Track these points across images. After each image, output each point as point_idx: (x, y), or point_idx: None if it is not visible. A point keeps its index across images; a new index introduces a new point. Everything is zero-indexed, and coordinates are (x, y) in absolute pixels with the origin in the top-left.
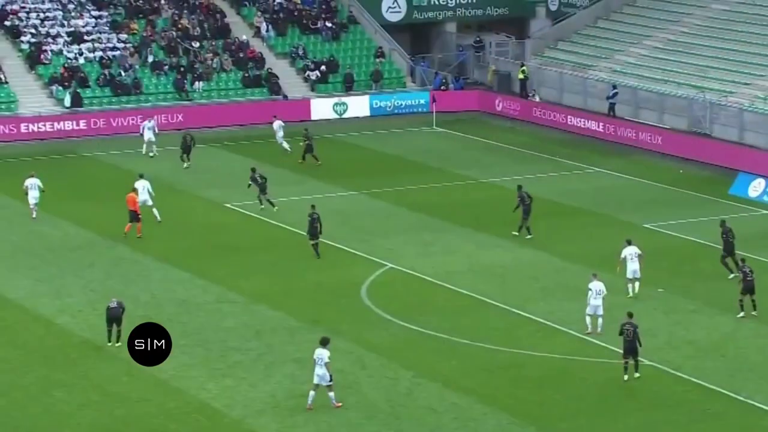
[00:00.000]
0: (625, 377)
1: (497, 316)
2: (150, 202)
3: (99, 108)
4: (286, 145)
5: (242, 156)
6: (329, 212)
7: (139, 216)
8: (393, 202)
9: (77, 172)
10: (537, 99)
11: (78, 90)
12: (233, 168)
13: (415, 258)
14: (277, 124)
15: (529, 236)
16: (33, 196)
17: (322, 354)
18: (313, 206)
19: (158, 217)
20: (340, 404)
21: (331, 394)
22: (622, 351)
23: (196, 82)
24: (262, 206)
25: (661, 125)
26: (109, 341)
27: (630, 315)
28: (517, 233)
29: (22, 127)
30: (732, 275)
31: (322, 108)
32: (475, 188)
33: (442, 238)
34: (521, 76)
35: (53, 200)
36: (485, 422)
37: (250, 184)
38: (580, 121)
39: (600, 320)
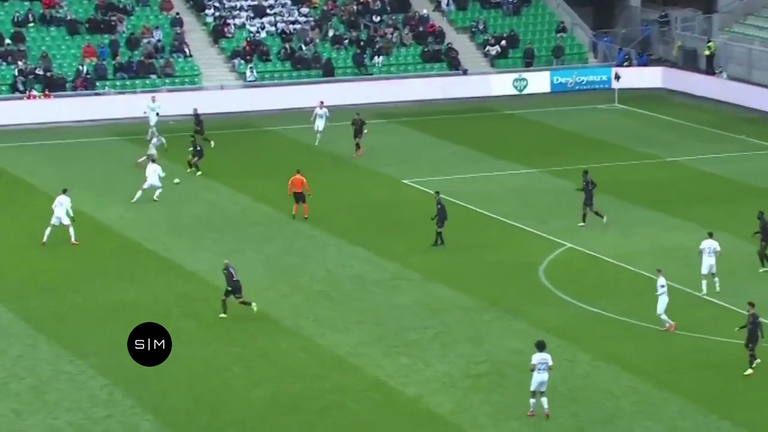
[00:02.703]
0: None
1: (678, 299)
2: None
3: (279, 82)
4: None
5: (420, 132)
6: (507, 190)
7: (306, 195)
8: (573, 180)
9: (257, 146)
10: (724, 76)
11: (330, 60)
12: (411, 144)
13: (594, 238)
14: (323, 111)
15: (582, 224)
16: None
17: (546, 358)
18: (437, 192)
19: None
20: (549, 413)
21: (545, 399)
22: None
23: (376, 57)
24: (199, 172)
25: None
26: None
27: (752, 305)
28: (602, 218)
29: (205, 101)
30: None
31: (501, 84)
32: (657, 167)
33: (622, 218)
34: (708, 52)
35: (234, 175)
36: (665, 407)
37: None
38: None
39: (663, 316)
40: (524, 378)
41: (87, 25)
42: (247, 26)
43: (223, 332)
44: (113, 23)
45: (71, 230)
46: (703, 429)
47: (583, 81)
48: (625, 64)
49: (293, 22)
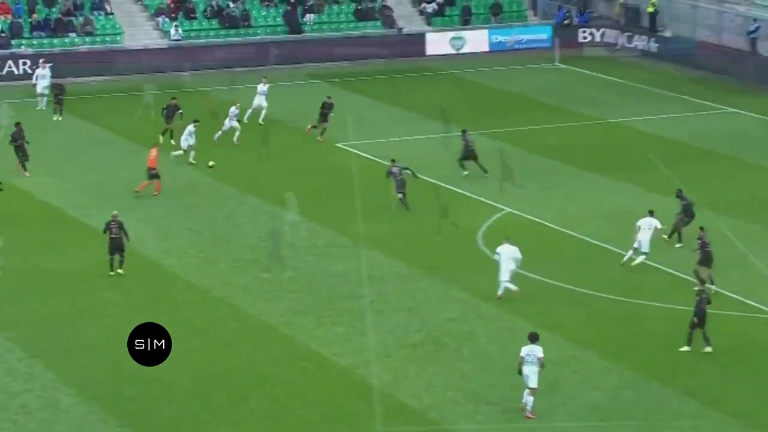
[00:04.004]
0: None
1: (620, 265)
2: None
3: (206, 42)
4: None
5: (354, 93)
6: (444, 154)
7: (157, 173)
8: (511, 143)
9: (183, 108)
10: (668, 34)
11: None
12: (344, 107)
13: (534, 202)
14: (265, 87)
15: (465, 172)
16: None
17: (535, 351)
18: (393, 160)
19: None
20: (534, 416)
21: (531, 399)
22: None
23: (307, 15)
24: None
25: None
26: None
27: (702, 282)
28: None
29: (127, 61)
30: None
31: (438, 43)
32: (599, 129)
33: (563, 181)
34: (651, 9)
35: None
36: (607, 377)
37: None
38: (715, 58)
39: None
40: (461, 347)
41: None
42: None
43: (149, 302)
44: None
45: None
46: (646, 398)
47: (522, 40)
48: (566, 22)
49: None
